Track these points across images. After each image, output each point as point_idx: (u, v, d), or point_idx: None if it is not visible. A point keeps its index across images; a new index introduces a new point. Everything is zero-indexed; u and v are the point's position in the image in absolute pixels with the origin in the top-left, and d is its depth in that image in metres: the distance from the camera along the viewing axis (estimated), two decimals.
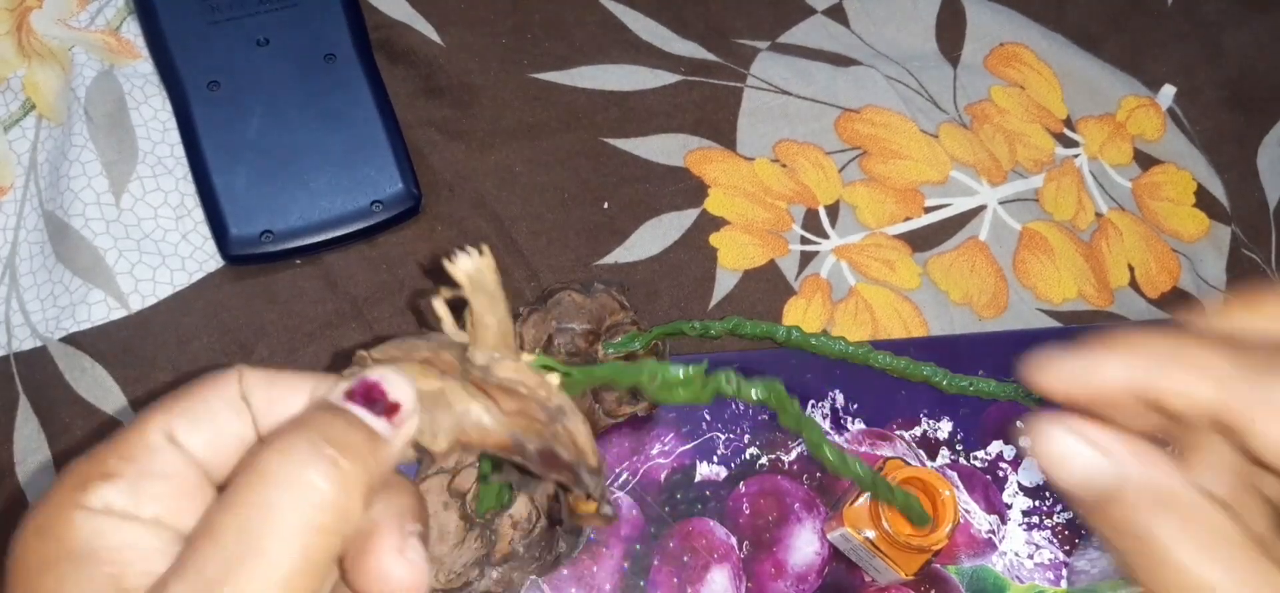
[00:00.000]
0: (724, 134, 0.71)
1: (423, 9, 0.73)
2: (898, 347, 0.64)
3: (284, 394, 0.28)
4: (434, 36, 0.72)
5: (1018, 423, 0.63)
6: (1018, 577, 0.60)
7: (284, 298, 0.64)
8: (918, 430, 0.62)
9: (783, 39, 0.75)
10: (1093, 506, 0.26)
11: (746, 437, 0.61)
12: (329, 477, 0.24)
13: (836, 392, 0.63)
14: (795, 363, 0.63)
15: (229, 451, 0.27)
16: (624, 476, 0.60)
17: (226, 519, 0.24)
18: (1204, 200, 0.73)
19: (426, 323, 0.63)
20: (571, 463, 0.31)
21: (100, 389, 0.61)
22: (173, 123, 0.67)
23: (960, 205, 0.71)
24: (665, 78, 0.73)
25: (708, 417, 0.62)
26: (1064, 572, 0.60)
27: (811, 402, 0.62)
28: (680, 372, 0.34)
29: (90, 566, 0.24)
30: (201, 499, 0.27)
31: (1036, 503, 0.61)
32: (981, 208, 0.71)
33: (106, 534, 0.25)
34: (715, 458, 0.61)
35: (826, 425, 0.62)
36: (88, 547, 0.25)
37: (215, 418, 0.27)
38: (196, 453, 0.27)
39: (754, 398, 0.35)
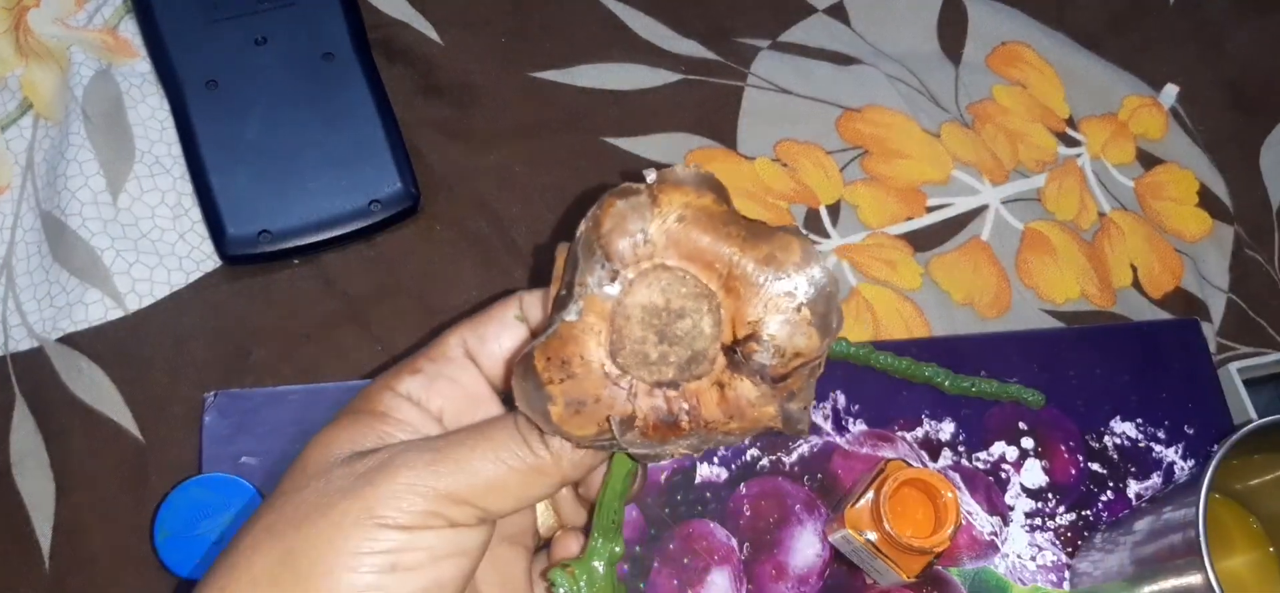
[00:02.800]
0: (725, 133, 0.71)
1: (422, 8, 0.73)
2: (899, 347, 0.63)
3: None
4: (433, 35, 0.72)
5: None
6: (1020, 579, 0.59)
7: (282, 298, 0.64)
8: (919, 432, 0.62)
9: (783, 38, 0.75)
10: None
11: (747, 438, 0.61)
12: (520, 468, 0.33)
13: (838, 392, 0.62)
14: None
15: (512, 361, 0.35)
16: None
17: (460, 433, 0.33)
18: (1207, 200, 0.72)
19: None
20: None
21: (97, 390, 0.60)
22: (170, 122, 0.67)
23: (962, 205, 0.71)
24: (665, 77, 0.72)
25: None
26: (1067, 574, 0.60)
27: (813, 403, 0.62)
28: None
29: (374, 419, 0.33)
30: (480, 407, 0.35)
31: (1039, 505, 0.61)
32: (984, 207, 0.71)
33: (400, 409, 0.34)
34: (716, 460, 0.60)
35: (827, 427, 0.62)
36: (384, 410, 0.34)
37: (500, 335, 0.35)
38: (484, 364, 0.35)
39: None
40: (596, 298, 0.31)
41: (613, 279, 0.31)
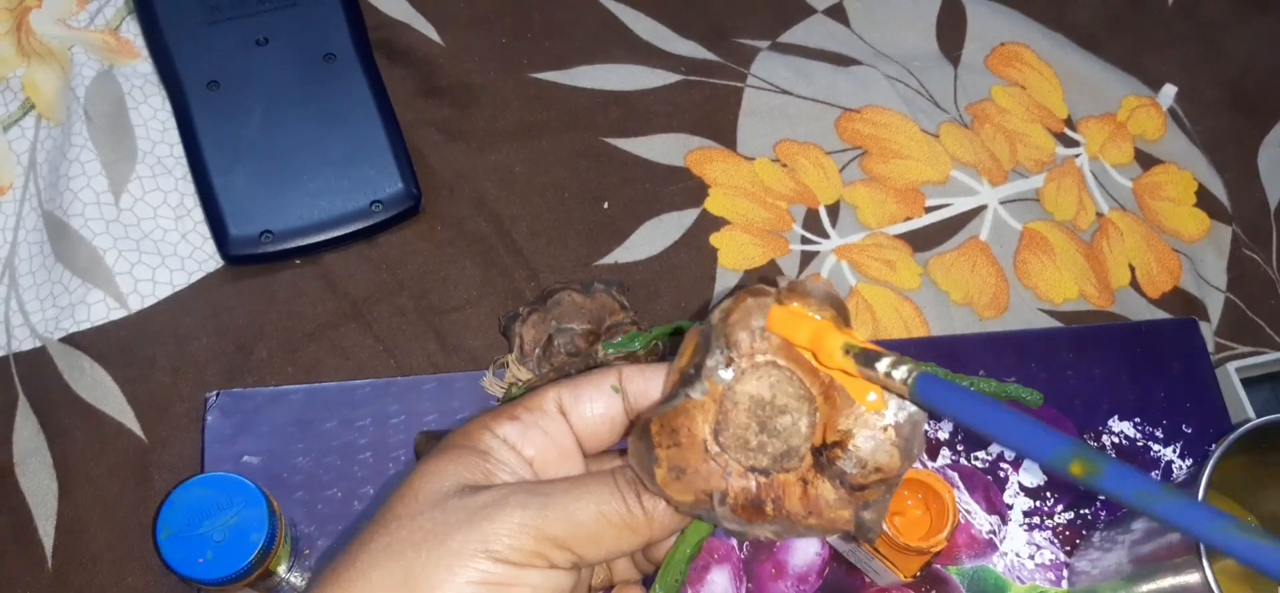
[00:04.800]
0: (724, 134, 0.71)
1: (423, 8, 0.73)
2: (898, 347, 0.64)
3: (650, 382, 0.37)
4: (434, 36, 0.72)
5: None
6: (1018, 577, 0.59)
7: (283, 298, 0.64)
8: None
9: (783, 39, 0.75)
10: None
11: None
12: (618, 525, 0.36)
13: None
14: None
15: (601, 425, 0.38)
16: None
17: (564, 483, 0.36)
18: (1205, 200, 0.73)
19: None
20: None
21: (100, 389, 0.60)
22: (172, 122, 0.67)
23: (961, 205, 0.71)
24: (665, 77, 0.72)
25: None
26: (1065, 572, 0.60)
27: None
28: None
29: (478, 456, 0.36)
30: (567, 461, 0.38)
31: (1037, 504, 0.61)
32: (982, 208, 0.71)
33: (499, 450, 0.37)
34: None
35: None
36: (485, 449, 0.37)
37: (594, 399, 0.38)
38: (574, 422, 0.38)
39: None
40: (712, 380, 0.34)
41: (727, 365, 0.34)
